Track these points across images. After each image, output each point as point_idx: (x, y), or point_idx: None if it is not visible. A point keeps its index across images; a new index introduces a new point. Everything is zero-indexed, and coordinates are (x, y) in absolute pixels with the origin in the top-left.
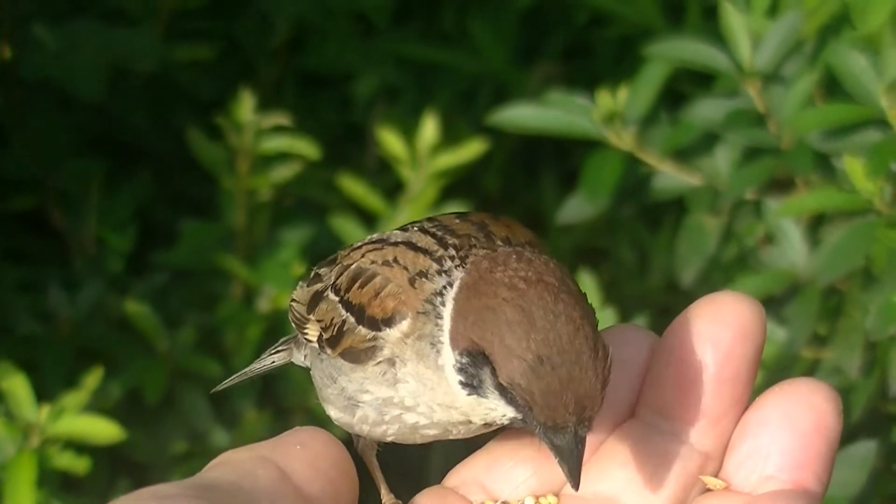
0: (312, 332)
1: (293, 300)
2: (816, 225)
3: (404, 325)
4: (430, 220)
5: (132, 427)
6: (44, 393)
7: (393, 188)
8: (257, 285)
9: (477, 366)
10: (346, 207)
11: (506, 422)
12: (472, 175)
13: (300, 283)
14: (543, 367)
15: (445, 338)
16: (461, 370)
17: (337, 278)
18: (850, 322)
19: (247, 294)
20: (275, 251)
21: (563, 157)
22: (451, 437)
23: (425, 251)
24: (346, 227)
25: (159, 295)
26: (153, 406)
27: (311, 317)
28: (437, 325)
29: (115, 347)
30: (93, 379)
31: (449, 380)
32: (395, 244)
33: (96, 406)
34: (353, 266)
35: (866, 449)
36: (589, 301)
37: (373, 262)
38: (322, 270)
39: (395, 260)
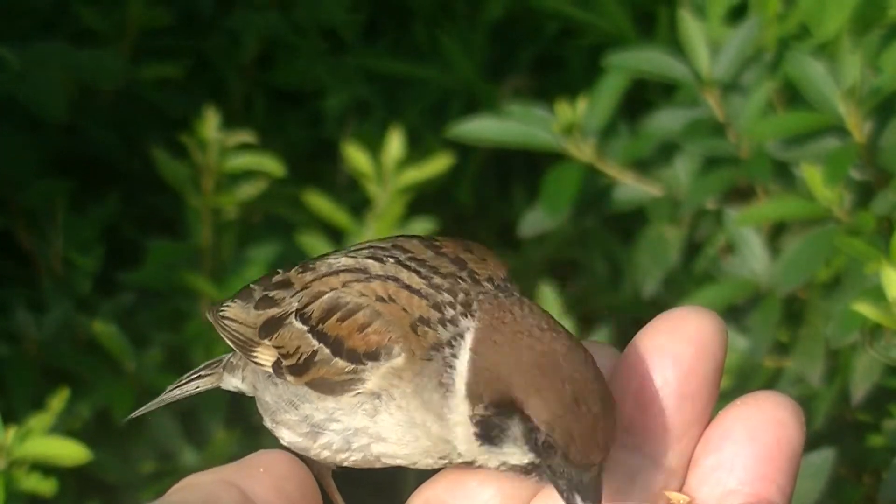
0: (265, 356)
1: (228, 318)
2: (777, 233)
3: (398, 362)
4: (399, 248)
5: (101, 448)
6: (10, 415)
7: (362, 204)
8: None
9: (504, 415)
10: (314, 224)
11: (517, 470)
12: (443, 189)
13: (234, 301)
14: (580, 408)
15: (459, 389)
16: (481, 422)
17: (305, 306)
18: (812, 330)
19: None
20: (242, 269)
21: (534, 169)
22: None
23: (418, 293)
24: (314, 243)
25: (126, 315)
26: (121, 426)
27: (266, 342)
28: (447, 374)
29: (82, 368)
30: (59, 400)
31: (457, 431)
32: (382, 279)
33: (64, 427)
34: (326, 296)
35: (823, 458)
36: None
37: (361, 296)
38: (274, 293)
39: (391, 297)
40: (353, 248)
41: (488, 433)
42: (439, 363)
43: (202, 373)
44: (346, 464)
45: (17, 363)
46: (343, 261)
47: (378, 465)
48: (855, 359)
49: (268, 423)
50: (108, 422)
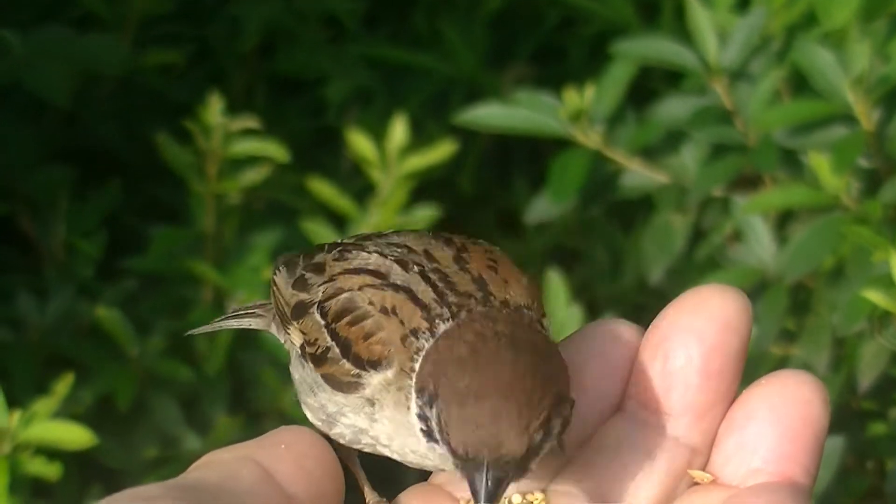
0: (296, 337)
1: (275, 284)
2: (784, 222)
3: (389, 374)
4: (427, 255)
5: (104, 433)
6: (14, 400)
7: (364, 191)
8: (228, 290)
9: (429, 405)
10: (317, 210)
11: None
12: (445, 176)
13: (282, 268)
14: (469, 397)
15: (413, 389)
16: (419, 416)
17: (326, 300)
18: (818, 319)
19: (217, 299)
20: (245, 255)
21: (537, 157)
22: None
23: (424, 307)
24: (317, 230)
25: (129, 301)
26: (124, 412)
27: (296, 324)
28: (410, 378)
29: (85, 354)
30: (63, 385)
31: (415, 428)
32: (396, 289)
33: (67, 412)
34: (344, 295)
35: (832, 445)
36: (566, 378)
37: (370, 304)
38: (308, 276)
39: (394, 310)
40: (391, 242)
41: (426, 426)
42: (410, 374)
43: (257, 311)
44: (365, 450)
45: (19, 349)
46: (373, 259)
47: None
48: (862, 347)
49: (300, 402)
50: (111, 408)
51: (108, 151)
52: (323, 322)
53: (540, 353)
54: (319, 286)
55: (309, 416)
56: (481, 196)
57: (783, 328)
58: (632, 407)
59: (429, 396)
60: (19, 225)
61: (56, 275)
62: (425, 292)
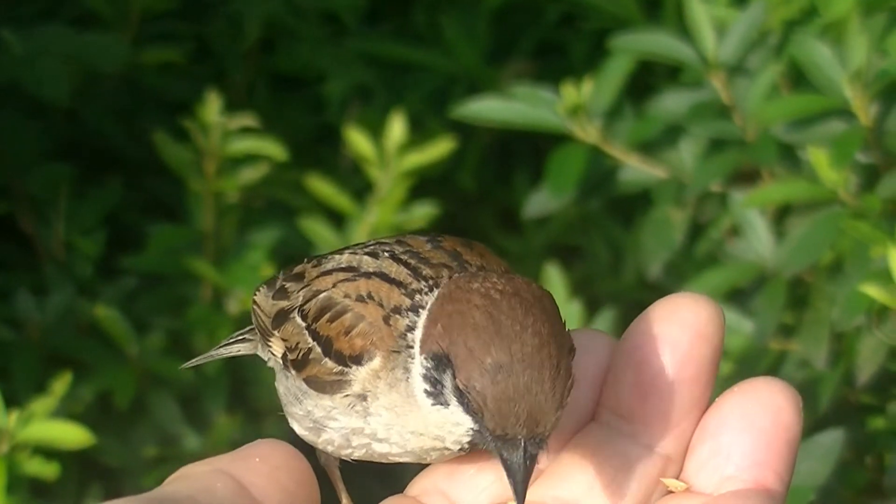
0: (277, 347)
1: (255, 303)
2: (782, 216)
3: (375, 363)
4: (399, 242)
5: (103, 432)
6: (13, 399)
7: (364, 189)
8: (227, 288)
9: (440, 369)
10: (316, 209)
11: (467, 439)
12: (445, 173)
13: (262, 287)
14: (500, 373)
15: (416, 352)
16: (425, 377)
17: (305, 302)
18: (817, 313)
19: (216, 297)
20: (244, 253)
21: (536, 154)
22: (425, 463)
23: (399, 283)
24: (316, 228)
25: (128, 299)
26: (124, 411)
27: (277, 334)
28: (408, 352)
29: (84, 352)
30: (61, 384)
31: (417, 395)
32: (368, 276)
33: (66, 411)
34: (322, 295)
35: (832, 439)
36: (565, 327)
37: (346, 296)
38: (288, 285)
39: (370, 295)
40: (362, 245)
41: (434, 388)
42: (403, 348)
43: (246, 336)
44: (353, 458)
45: (19, 347)
46: (345, 258)
47: (386, 461)
48: (860, 342)
49: (286, 415)
50: (110, 406)
51: (108, 149)
52: (304, 324)
53: (547, 310)
54: (299, 292)
55: (295, 427)
56: (481, 193)
57: (782, 323)
58: (605, 416)
59: (444, 362)
60: (19, 222)
61: (55, 273)
62: (398, 272)
